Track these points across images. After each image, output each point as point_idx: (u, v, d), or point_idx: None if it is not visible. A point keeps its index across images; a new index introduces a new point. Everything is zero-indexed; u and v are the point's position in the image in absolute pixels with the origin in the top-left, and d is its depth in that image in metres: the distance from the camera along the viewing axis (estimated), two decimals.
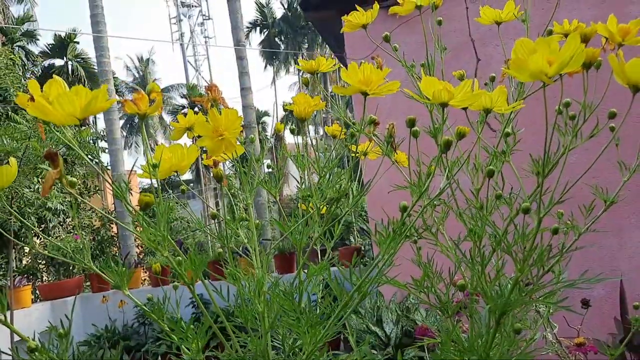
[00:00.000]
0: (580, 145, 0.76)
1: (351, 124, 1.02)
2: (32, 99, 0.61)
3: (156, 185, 0.72)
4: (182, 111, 27.11)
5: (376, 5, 0.96)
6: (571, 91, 0.78)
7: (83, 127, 5.87)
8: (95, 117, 22.87)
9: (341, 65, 0.92)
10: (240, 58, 7.52)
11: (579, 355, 1.19)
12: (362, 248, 5.50)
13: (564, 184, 0.86)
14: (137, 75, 29.79)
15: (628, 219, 3.07)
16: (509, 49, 0.94)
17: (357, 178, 0.96)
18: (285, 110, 1.01)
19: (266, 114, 26.89)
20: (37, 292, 6.02)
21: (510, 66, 0.59)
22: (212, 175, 0.92)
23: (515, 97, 0.89)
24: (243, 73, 7.53)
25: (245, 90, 7.46)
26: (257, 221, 0.88)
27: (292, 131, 0.91)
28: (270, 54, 24.72)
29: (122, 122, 28.42)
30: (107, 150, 7.28)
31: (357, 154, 1.06)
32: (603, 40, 0.78)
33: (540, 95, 0.87)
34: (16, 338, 4.38)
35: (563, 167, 0.74)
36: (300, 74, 24.87)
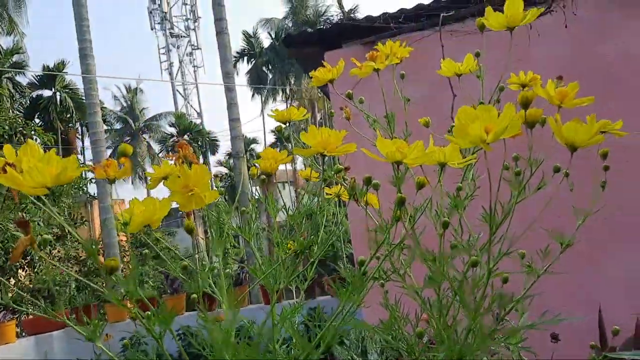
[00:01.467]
0: (529, 196, 0.81)
1: (321, 170, 1.07)
2: (4, 168, 0.65)
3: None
4: (171, 139, 27.16)
5: (341, 62, 1.01)
6: (523, 146, 0.83)
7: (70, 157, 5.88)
8: (83, 147, 22.84)
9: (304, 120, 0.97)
10: (229, 90, 7.62)
11: None
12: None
13: (518, 231, 0.91)
14: (125, 105, 29.85)
15: (604, 248, 3.13)
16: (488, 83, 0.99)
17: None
18: (276, 132, 1.05)
19: (254, 141, 27.01)
20: (22, 327, 5.94)
21: (454, 133, 0.64)
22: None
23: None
24: (232, 104, 7.61)
25: (234, 121, 7.54)
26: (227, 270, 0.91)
27: (262, 181, 0.95)
28: (258, 83, 24.94)
29: (109, 151, 28.39)
30: (94, 181, 7.27)
31: (331, 197, 1.10)
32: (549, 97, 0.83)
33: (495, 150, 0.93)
34: None
35: (511, 217, 0.78)
36: (288, 101, 25.09)
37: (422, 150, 0.73)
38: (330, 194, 1.10)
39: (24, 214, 4.79)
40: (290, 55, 3.74)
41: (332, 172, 1.00)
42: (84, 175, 8.57)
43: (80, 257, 9.78)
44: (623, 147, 3.10)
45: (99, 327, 0.83)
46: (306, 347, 0.72)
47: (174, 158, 0.86)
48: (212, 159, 27.39)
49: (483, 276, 0.74)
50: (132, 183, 28.98)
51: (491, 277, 0.77)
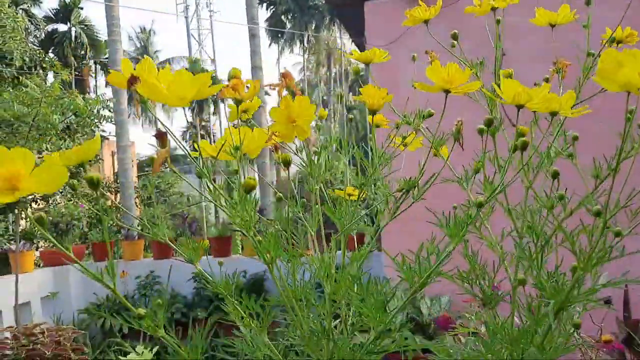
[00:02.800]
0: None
1: (401, 117, 1.05)
2: (133, 78, 0.64)
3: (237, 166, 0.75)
4: None
5: (439, 2, 0.98)
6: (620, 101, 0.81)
7: (93, 97, 5.85)
8: (96, 85, 22.73)
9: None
10: (253, 36, 7.47)
11: (601, 354, 1.24)
12: None
13: (619, 189, 0.90)
14: (138, 45, 29.53)
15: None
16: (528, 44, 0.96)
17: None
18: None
19: (266, 92, 26.78)
20: (39, 257, 6.05)
21: (598, 75, 0.62)
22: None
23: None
24: (255, 52, 7.48)
25: (256, 69, 7.43)
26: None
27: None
28: (276, 32, 24.53)
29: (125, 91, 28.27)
30: (112, 120, 7.25)
31: (398, 145, 1.09)
32: None
33: (596, 102, 0.90)
34: (20, 301, 4.43)
35: (630, 170, 0.77)
36: (306, 53, 24.71)
37: (547, 94, 0.71)
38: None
39: (48, 145, 4.80)
40: (327, 2, 3.65)
41: (422, 117, 0.98)
42: (99, 112, 8.50)
43: (92, 195, 9.88)
44: None
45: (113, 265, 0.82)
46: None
47: (277, 87, 0.84)
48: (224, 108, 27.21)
49: (597, 227, 0.73)
50: (142, 126, 28.99)
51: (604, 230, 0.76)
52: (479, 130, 0.82)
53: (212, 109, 26.81)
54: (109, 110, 8.19)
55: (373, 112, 0.83)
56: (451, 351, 0.87)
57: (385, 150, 1.00)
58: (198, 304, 5.05)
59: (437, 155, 1.04)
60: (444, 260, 0.76)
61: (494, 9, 0.92)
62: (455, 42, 1.01)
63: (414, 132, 1.09)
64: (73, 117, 5.13)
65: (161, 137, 0.63)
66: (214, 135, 28.16)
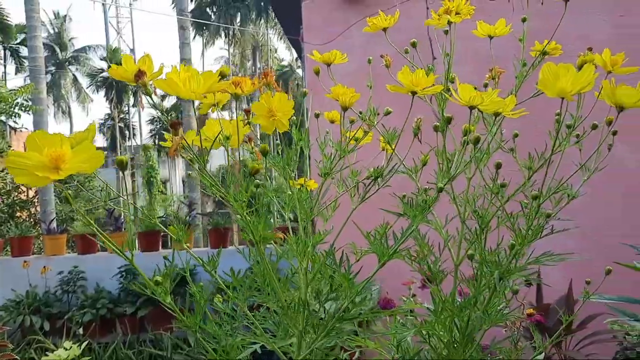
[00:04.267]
0: (569, 147, 0.95)
1: (357, 114, 1.16)
2: (140, 72, 0.70)
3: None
4: (101, 74, 25.92)
5: (397, 13, 1.10)
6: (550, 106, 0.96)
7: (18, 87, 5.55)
8: (5, 72, 21.34)
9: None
10: (183, 28, 7.38)
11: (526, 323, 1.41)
12: None
13: (549, 179, 1.06)
14: (52, 32, 28.01)
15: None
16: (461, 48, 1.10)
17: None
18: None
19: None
20: None
21: (539, 84, 0.76)
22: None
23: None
24: (184, 44, 7.39)
25: (185, 61, 7.34)
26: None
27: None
28: (200, 24, 24.10)
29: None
30: (34, 110, 6.89)
31: (349, 139, 1.20)
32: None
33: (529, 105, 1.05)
34: None
35: (558, 164, 0.92)
36: (231, 46, 24.43)
37: (497, 97, 0.84)
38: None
39: None
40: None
41: (374, 116, 1.09)
42: (12, 100, 8.08)
43: (4, 189, 9.34)
44: None
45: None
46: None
47: (255, 83, 0.92)
48: (145, 101, 26.39)
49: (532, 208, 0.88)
50: (54, 116, 27.54)
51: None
52: (434, 127, 0.94)
53: (131, 100, 25.94)
54: (25, 100, 7.79)
55: (345, 109, 0.93)
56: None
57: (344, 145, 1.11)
58: (124, 299, 4.95)
59: (388, 150, 1.16)
60: (405, 239, 0.88)
61: (449, 22, 1.05)
62: (410, 48, 1.13)
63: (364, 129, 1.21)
64: None
65: (175, 125, 0.70)
66: (133, 128, 27.20)
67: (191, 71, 0.70)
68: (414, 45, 1.09)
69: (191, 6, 25.24)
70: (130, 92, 25.94)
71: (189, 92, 0.69)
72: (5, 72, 20.23)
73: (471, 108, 0.85)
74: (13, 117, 5.51)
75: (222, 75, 0.88)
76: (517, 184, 0.98)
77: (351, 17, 3.36)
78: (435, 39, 1.25)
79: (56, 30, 28.26)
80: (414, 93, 0.85)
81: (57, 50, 27.14)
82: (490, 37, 1.24)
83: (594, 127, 0.93)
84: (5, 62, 20.20)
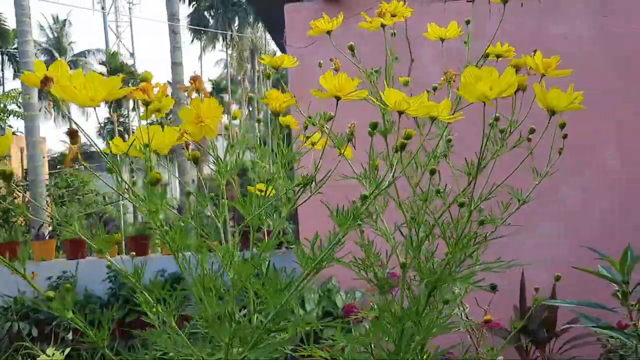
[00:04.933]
0: (506, 152, 0.92)
1: (307, 118, 1.14)
2: (46, 79, 0.68)
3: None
4: None
5: (341, 15, 1.08)
6: (500, 109, 0.94)
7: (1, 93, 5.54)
8: (2, 76, 21.37)
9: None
10: (174, 32, 7.37)
11: (485, 332, 1.39)
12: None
13: (490, 185, 1.04)
14: (51, 37, 28.05)
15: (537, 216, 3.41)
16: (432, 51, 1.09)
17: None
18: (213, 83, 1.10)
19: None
20: None
21: (460, 88, 0.73)
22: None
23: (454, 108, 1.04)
24: (176, 48, 7.38)
25: (176, 65, 7.33)
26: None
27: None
28: (199, 28, 24.12)
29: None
30: (22, 115, 6.90)
31: (307, 144, 1.18)
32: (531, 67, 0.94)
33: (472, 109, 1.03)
34: None
35: (491, 170, 0.90)
36: (228, 50, 24.47)
37: (425, 101, 0.82)
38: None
39: None
40: (250, 2, 3.69)
41: (323, 120, 1.07)
42: (5, 107, 8.12)
43: None
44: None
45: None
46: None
47: (187, 90, 0.90)
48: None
49: (463, 217, 0.85)
50: (54, 120, 27.57)
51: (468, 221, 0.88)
52: (369, 132, 0.92)
53: (130, 104, 25.94)
54: (18, 105, 7.78)
55: (277, 114, 0.91)
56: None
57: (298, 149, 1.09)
58: (113, 304, 4.93)
59: (341, 154, 1.14)
60: (336, 247, 0.86)
61: (383, 25, 1.02)
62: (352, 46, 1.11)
63: (320, 133, 1.19)
64: None
65: (73, 134, 0.68)
66: (132, 132, 27.22)
67: (91, 77, 0.68)
68: (351, 48, 1.06)
69: (189, 10, 25.33)
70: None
71: (86, 99, 0.66)
72: (3, 77, 20.26)
73: (400, 113, 0.83)
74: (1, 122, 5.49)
75: (143, 80, 0.86)
76: (455, 190, 0.95)
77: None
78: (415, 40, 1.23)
79: (55, 34, 28.31)
80: (337, 98, 0.83)
81: (57, 54, 27.20)
82: (442, 40, 1.22)
83: (531, 131, 0.91)
84: (2, 66, 20.24)
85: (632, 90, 3.36)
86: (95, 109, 0.73)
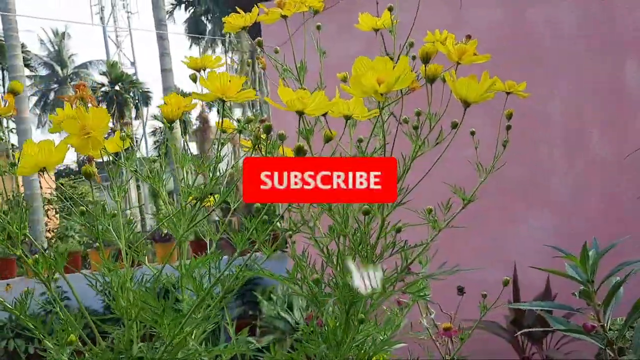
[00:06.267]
0: (428, 151, 0.83)
1: (236, 122, 1.05)
2: None
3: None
4: (101, 89, 25.98)
5: (255, 9, 0.99)
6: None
7: None
8: (4, 91, 21.46)
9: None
10: (162, 38, 7.29)
11: (445, 340, 1.30)
12: None
13: (423, 187, 0.94)
14: (51, 50, 28.17)
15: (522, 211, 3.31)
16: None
17: None
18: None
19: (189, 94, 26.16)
20: None
21: (350, 82, 0.64)
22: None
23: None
24: (164, 54, 7.30)
25: (166, 71, 7.27)
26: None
27: (169, 128, 0.93)
28: (197, 33, 24.08)
29: (35, 99, 26.86)
30: (14, 130, 6.89)
31: (247, 149, 1.09)
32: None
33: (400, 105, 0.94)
34: None
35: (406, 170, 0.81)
36: (227, 54, 24.44)
37: (324, 99, 0.73)
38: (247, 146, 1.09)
39: None
40: (227, 5, 3.62)
41: (243, 123, 0.99)
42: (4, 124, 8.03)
43: None
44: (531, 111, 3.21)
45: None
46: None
47: (70, 99, 0.82)
48: (147, 112, 26.47)
49: (376, 226, 0.76)
50: (60, 134, 27.66)
51: (390, 229, 0.80)
52: (279, 136, 0.83)
53: (133, 113, 25.98)
54: (12, 121, 7.78)
55: (171, 121, 0.82)
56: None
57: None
58: (109, 319, 4.88)
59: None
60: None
61: (284, 16, 0.94)
62: (278, 49, 1.02)
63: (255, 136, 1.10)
64: None
65: None
66: (137, 140, 27.26)
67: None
68: (259, 44, 0.98)
69: (186, 15, 25.26)
70: (131, 105, 26.03)
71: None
72: (4, 91, 20.34)
73: (299, 114, 0.74)
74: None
75: (13, 92, 0.78)
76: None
77: (306, 16, 3.25)
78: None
79: (56, 47, 28.42)
80: (222, 101, 0.74)
81: (57, 68, 27.30)
82: (376, 30, 1.13)
83: (454, 125, 0.82)
84: (4, 81, 20.33)
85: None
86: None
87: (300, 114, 0.74)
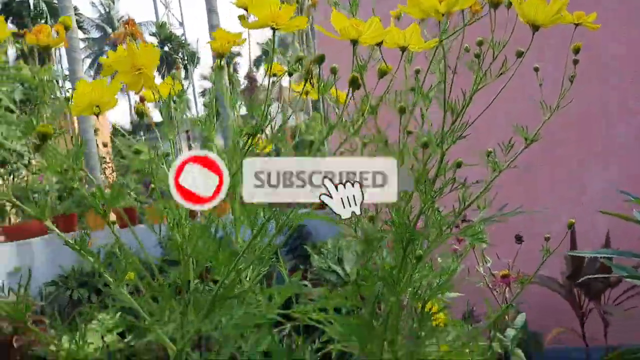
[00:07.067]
0: (491, 82, 0.78)
1: (286, 63, 1.02)
2: None
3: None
4: None
5: None
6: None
7: (44, 65, 5.68)
8: (60, 55, 22.08)
9: None
10: None
11: (503, 287, 1.26)
12: None
13: (481, 123, 0.89)
14: (102, 12, 28.65)
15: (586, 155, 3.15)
16: None
17: None
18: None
19: (239, 54, 26.24)
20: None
21: (408, 3, 0.60)
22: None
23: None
24: (211, 11, 7.25)
25: (213, 28, 7.21)
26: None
27: (220, 67, 0.91)
28: None
29: (89, 61, 27.56)
30: (70, 91, 7.11)
31: (299, 93, 1.06)
32: None
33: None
34: None
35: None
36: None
37: (380, 27, 0.69)
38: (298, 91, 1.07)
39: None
40: None
41: (293, 62, 0.95)
42: (57, 83, 8.32)
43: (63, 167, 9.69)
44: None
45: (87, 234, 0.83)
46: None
47: (120, 36, 0.81)
48: (196, 72, 26.74)
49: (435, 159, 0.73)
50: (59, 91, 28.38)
51: (451, 165, 0.76)
52: (331, 69, 0.80)
53: (183, 73, 26.28)
54: (69, 81, 8.01)
55: (221, 56, 0.80)
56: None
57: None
58: (164, 269, 5.06)
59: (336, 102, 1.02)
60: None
61: None
62: None
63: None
64: (22, 88, 4.99)
65: None
66: (187, 101, 27.62)
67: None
68: None
69: None
70: (181, 66, 26.32)
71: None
72: (60, 55, 20.90)
73: (353, 43, 0.70)
74: (49, 98, 5.62)
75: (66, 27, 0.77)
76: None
77: None
78: None
79: (107, 9, 28.87)
80: (273, 29, 0.71)
81: (109, 29, 27.76)
82: None
83: (519, 54, 0.76)
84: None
85: None
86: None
87: (355, 42, 0.71)
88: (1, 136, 4.94)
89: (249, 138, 0.75)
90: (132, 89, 0.82)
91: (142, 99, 0.92)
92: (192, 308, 0.77)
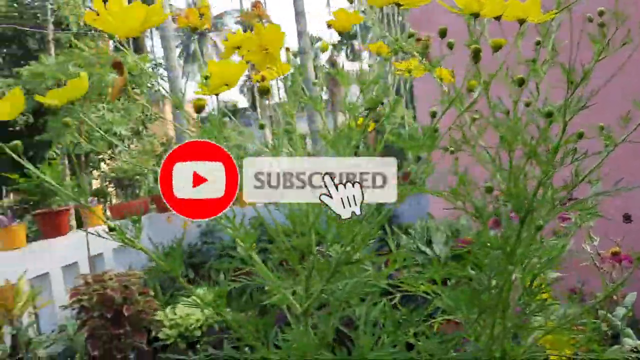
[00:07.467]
0: (614, 53, 0.77)
1: (392, 41, 1.05)
2: (97, 14, 0.69)
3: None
4: None
5: None
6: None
7: (141, 55, 6.04)
8: (152, 45, 23.18)
9: None
10: None
11: (612, 266, 1.23)
12: None
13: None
14: (190, 1, 29.70)
15: None
16: None
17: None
18: (329, 26, 1.04)
19: (320, 39, 26.38)
20: (108, 212, 6.45)
21: None
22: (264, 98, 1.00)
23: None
24: None
25: (299, 15, 7.31)
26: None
27: (334, 46, 0.95)
28: None
29: (178, 50, 28.75)
30: (165, 78, 7.48)
31: (401, 72, 1.09)
32: None
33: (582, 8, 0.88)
34: (94, 252, 4.78)
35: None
36: None
37: (501, 0, 0.70)
38: (401, 69, 1.09)
39: (103, 106, 5.04)
40: None
41: (402, 40, 0.98)
42: (155, 71, 8.78)
43: (156, 151, 10.29)
44: None
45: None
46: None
47: (249, 17, 0.87)
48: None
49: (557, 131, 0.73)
50: (198, 69, 29.44)
51: (574, 135, 0.76)
52: (448, 45, 0.82)
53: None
54: (164, 69, 8.42)
55: (342, 34, 0.85)
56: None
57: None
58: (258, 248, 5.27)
59: (442, 79, 1.04)
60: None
61: None
62: None
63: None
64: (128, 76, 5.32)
65: (118, 66, 0.68)
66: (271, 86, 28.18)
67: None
68: None
69: None
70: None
71: (125, 29, 0.66)
72: (153, 45, 21.93)
73: (474, 16, 0.72)
74: (146, 85, 5.97)
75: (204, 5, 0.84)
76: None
77: None
78: None
79: (194, 0, 29.89)
80: (398, 4, 0.74)
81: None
82: None
83: None
84: (152, 36, 21.90)
85: None
86: None
87: (476, 16, 0.72)
88: (109, 122, 5.31)
89: (368, 112, 0.79)
90: (260, 68, 0.89)
91: (263, 78, 0.98)
92: (315, 273, 0.83)
